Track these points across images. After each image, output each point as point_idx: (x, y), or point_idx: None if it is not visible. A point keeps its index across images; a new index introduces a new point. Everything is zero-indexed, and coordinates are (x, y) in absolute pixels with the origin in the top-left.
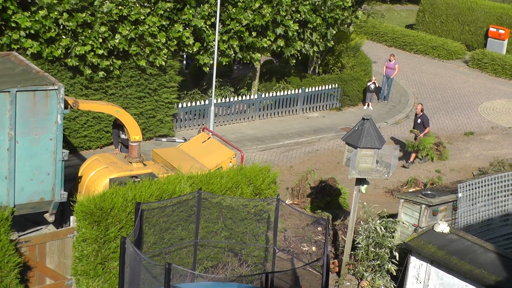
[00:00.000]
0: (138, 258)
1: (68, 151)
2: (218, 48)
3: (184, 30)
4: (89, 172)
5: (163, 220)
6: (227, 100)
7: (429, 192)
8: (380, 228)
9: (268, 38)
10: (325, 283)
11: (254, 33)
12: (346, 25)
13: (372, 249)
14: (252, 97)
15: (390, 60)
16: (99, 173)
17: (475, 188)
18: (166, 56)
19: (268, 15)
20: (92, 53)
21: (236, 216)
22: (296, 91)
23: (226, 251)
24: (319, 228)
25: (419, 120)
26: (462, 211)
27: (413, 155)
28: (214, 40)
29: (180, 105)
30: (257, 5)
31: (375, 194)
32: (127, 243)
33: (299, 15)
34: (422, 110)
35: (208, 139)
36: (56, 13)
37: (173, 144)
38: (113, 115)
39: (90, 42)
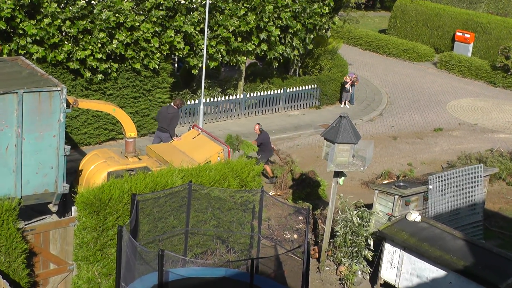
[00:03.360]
0: (133, 246)
1: (70, 147)
2: (207, 52)
3: (175, 35)
4: (89, 166)
5: (156, 210)
6: (215, 99)
7: (401, 183)
8: (356, 219)
9: (252, 42)
10: (306, 268)
11: (239, 38)
12: (324, 30)
13: (350, 237)
14: (238, 96)
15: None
16: (98, 167)
17: (444, 180)
18: (159, 60)
19: (252, 21)
20: (92, 57)
21: (223, 206)
22: (278, 91)
23: (214, 239)
24: (300, 217)
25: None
26: (432, 201)
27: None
28: (203, 45)
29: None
30: (242, 12)
31: (352, 185)
32: (124, 232)
33: (280, 22)
34: (260, 130)
35: (198, 135)
36: (59, 21)
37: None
38: (111, 114)
39: (90, 47)
